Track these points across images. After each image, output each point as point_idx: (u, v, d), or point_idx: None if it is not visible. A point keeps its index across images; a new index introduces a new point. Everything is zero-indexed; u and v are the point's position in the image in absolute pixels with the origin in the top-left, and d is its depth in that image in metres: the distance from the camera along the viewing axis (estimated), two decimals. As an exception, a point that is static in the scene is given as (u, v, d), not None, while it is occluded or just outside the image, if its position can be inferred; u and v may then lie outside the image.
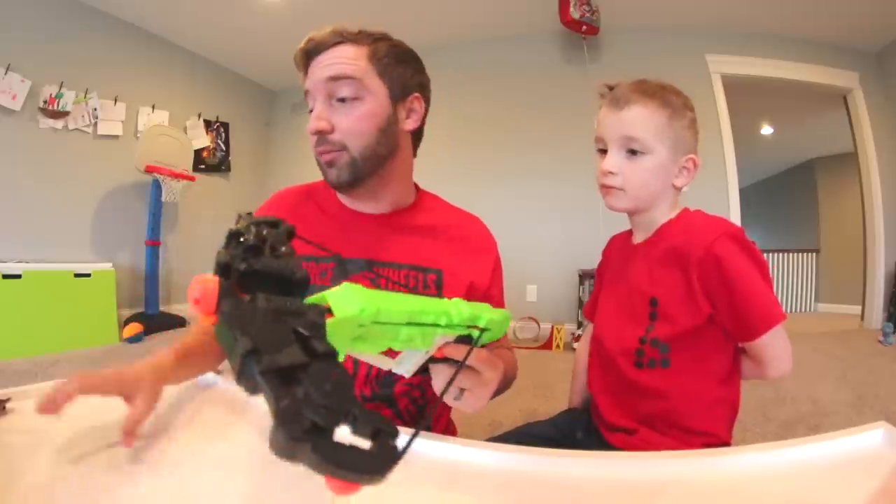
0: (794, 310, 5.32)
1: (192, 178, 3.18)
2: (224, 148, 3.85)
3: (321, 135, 0.64)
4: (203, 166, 3.64)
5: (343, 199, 0.72)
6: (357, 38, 0.65)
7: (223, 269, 0.23)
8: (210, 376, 0.63)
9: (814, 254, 5.49)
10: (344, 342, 0.29)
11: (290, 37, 0.80)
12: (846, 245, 4.88)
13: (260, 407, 0.55)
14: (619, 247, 0.79)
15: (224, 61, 3.83)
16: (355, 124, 0.63)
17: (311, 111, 0.65)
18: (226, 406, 0.56)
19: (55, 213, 2.78)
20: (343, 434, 0.17)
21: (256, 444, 0.47)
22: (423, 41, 3.55)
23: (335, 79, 0.63)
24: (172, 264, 3.38)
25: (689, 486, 0.41)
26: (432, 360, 0.44)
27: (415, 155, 0.74)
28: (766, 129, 5.09)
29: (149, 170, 2.88)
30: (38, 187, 2.70)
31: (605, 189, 0.68)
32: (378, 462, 0.17)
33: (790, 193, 6.34)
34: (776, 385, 1.92)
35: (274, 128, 4.34)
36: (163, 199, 2.99)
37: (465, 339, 0.44)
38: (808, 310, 5.35)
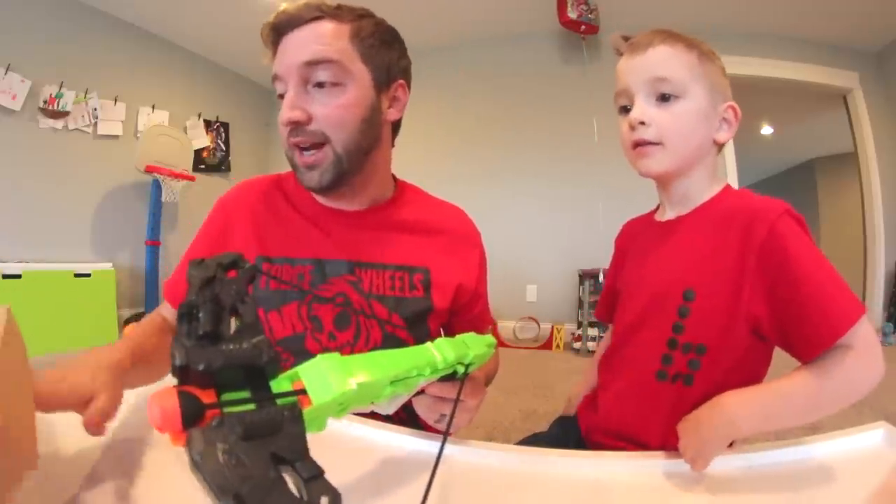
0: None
1: (192, 178, 3.18)
2: (224, 148, 3.85)
3: (297, 126, 0.56)
4: (203, 166, 3.63)
5: (317, 196, 0.65)
6: (337, 13, 0.57)
7: (182, 372, 0.20)
8: None
9: (814, 254, 5.49)
10: (325, 419, 0.28)
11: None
12: (846, 245, 4.87)
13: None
14: (639, 230, 0.67)
15: (224, 61, 3.82)
16: (337, 113, 0.56)
17: (281, 96, 0.57)
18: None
19: (55, 213, 2.78)
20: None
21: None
22: (421, 40, 3.56)
23: (312, 64, 0.55)
24: (172, 264, 3.37)
25: (689, 485, 0.41)
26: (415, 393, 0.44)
27: (393, 145, 0.68)
28: (766, 129, 5.09)
29: (149, 170, 2.88)
30: (38, 187, 2.70)
31: (638, 149, 0.56)
32: None
33: (790, 193, 6.32)
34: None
35: (274, 128, 4.31)
36: (163, 199, 2.99)
37: (449, 376, 0.44)
38: (808, 310, 5.35)
